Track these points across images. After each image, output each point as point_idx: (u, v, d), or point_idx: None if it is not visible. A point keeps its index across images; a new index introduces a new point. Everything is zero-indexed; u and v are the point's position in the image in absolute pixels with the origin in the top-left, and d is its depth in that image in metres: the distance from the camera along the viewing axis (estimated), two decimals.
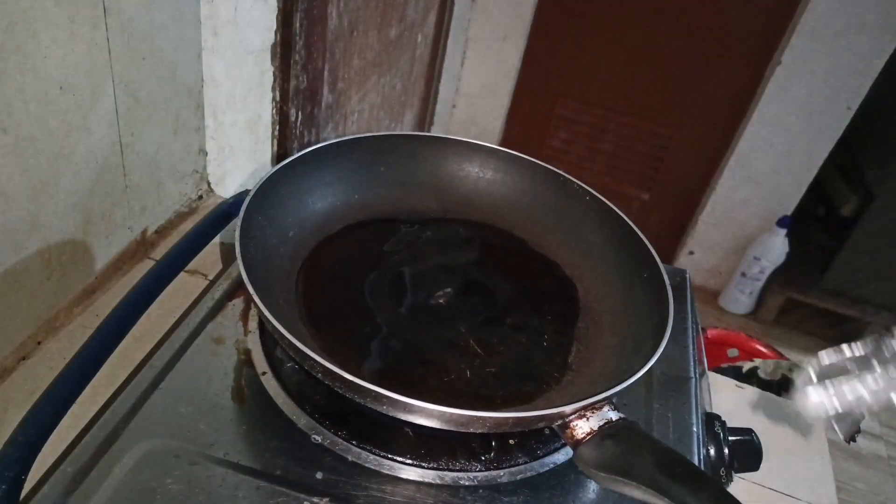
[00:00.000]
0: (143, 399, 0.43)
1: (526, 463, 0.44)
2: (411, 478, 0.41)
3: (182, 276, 0.53)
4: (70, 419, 0.40)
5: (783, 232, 1.92)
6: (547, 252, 0.59)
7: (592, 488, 0.43)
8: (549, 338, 0.51)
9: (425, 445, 0.43)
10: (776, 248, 1.95)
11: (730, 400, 0.67)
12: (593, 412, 0.40)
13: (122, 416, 0.41)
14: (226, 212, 0.55)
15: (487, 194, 0.62)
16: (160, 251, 0.66)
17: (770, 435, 0.62)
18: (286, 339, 0.38)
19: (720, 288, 2.14)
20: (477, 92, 2.02)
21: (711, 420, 0.51)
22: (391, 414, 0.38)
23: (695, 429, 0.49)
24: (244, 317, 0.51)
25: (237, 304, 0.52)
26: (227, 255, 0.63)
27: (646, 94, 1.92)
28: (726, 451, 0.49)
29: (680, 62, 1.84)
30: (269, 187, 0.50)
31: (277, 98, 0.76)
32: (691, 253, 2.11)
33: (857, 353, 0.48)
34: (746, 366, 1.36)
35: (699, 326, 0.61)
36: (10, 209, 0.47)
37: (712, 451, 0.48)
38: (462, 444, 0.44)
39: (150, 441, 0.40)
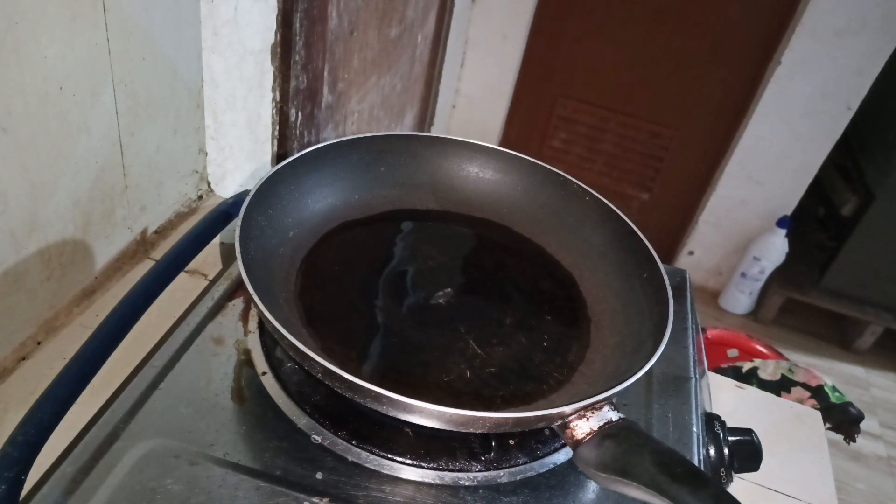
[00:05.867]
0: (143, 399, 0.43)
1: (526, 463, 0.44)
2: (411, 478, 0.41)
3: (182, 276, 0.53)
4: (70, 419, 0.40)
5: (783, 232, 1.92)
6: (547, 252, 0.59)
7: (592, 488, 0.43)
8: (549, 338, 0.51)
9: (425, 445, 0.43)
10: (776, 248, 1.95)
11: (730, 400, 0.67)
12: (593, 412, 0.40)
13: (122, 416, 0.41)
14: (226, 212, 0.55)
15: (487, 194, 0.62)
16: (160, 251, 0.66)
17: (770, 435, 0.62)
18: (286, 339, 0.38)
19: (720, 288, 2.14)
20: (477, 92, 2.02)
21: (711, 420, 0.51)
22: (391, 414, 0.38)
23: (695, 429, 0.49)
24: (244, 317, 0.51)
25: (237, 304, 0.52)
26: (227, 255, 0.63)
27: (646, 94, 1.92)
28: (726, 451, 0.49)
29: (680, 62, 1.84)
30: (269, 187, 0.50)
31: (277, 98, 0.76)
32: (691, 253, 2.11)
33: None
34: (746, 366, 1.36)
35: (699, 326, 0.61)
36: (10, 209, 0.47)
37: (712, 451, 0.48)
38: (462, 444, 0.44)
39: (150, 441, 0.40)
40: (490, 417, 0.38)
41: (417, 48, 1.35)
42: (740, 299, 2.07)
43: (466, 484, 0.42)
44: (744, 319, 2.10)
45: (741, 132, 1.86)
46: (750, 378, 1.35)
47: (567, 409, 0.39)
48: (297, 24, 0.72)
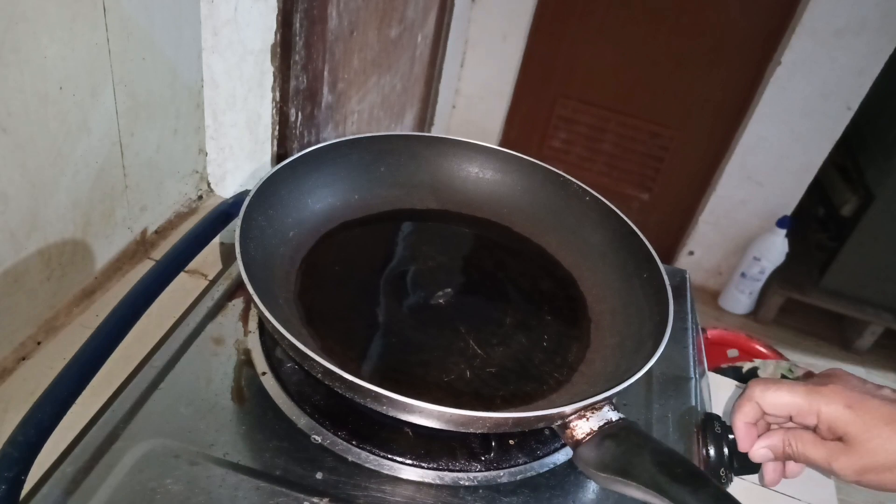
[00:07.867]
0: (143, 399, 0.43)
1: (526, 463, 0.44)
2: (411, 478, 0.41)
3: (182, 276, 0.53)
4: (70, 419, 0.40)
5: (783, 232, 1.92)
6: (547, 252, 0.59)
7: (592, 488, 0.43)
8: (549, 338, 0.51)
9: (425, 445, 0.43)
10: (776, 248, 1.95)
11: (730, 400, 0.67)
12: (593, 412, 0.40)
13: (122, 416, 0.41)
14: (226, 212, 0.55)
15: (487, 194, 0.62)
16: (160, 251, 0.66)
17: None
18: (286, 339, 0.38)
19: (720, 288, 2.14)
20: (477, 92, 2.02)
21: (711, 420, 0.51)
22: (391, 414, 0.39)
23: (695, 429, 0.49)
24: (244, 317, 0.51)
25: (237, 304, 0.52)
26: (227, 255, 0.63)
27: (646, 94, 1.92)
28: (726, 451, 0.49)
29: (680, 62, 1.84)
30: (269, 187, 0.50)
31: (277, 98, 0.76)
32: (691, 253, 2.11)
33: None
34: (746, 366, 1.36)
35: (699, 326, 0.61)
36: (10, 209, 0.47)
37: (712, 451, 0.48)
38: (462, 445, 0.44)
39: (150, 441, 0.40)
40: (490, 417, 0.38)
41: (417, 48, 1.35)
42: (740, 299, 2.07)
43: (466, 484, 0.42)
44: (744, 319, 2.10)
45: (741, 132, 1.86)
46: (750, 378, 1.35)
47: (567, 409, 0.39)
48: (297, 24, 0.72)
